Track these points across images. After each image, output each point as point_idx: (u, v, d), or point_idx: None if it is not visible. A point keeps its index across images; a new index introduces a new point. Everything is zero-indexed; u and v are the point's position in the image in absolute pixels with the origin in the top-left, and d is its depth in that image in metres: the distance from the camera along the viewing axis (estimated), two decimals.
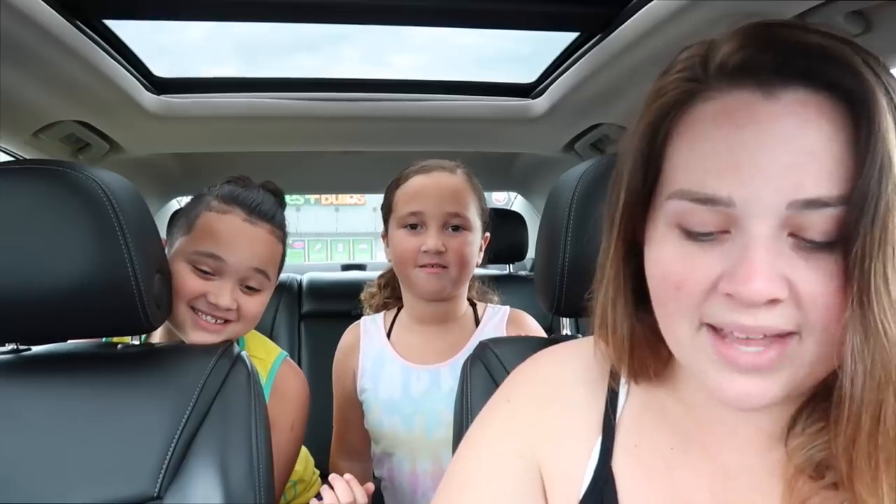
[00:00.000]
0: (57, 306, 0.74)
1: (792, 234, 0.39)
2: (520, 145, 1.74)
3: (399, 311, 1.18)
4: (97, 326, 0.81)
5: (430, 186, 1.08)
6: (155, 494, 0.73)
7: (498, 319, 1.14)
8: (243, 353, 0.87)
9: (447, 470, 0.57)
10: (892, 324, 0.37)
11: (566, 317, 0.93)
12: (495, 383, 0.82)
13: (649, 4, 0.94)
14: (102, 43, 1.11)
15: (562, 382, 0.56)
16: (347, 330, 1.20)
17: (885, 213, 0.36)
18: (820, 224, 0.38)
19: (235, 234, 0.96)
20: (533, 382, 0.57)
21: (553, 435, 0.53)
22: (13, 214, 0.73)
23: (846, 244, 0.38)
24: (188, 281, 0.93)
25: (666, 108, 0.44)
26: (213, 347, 0.85)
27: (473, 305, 1.17)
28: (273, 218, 1.01)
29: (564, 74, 1.32)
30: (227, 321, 0.96)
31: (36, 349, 0.86)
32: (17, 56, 0.97)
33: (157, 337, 1.02)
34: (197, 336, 0.94)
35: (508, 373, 0.81)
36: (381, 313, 1.20)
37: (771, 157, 0.38)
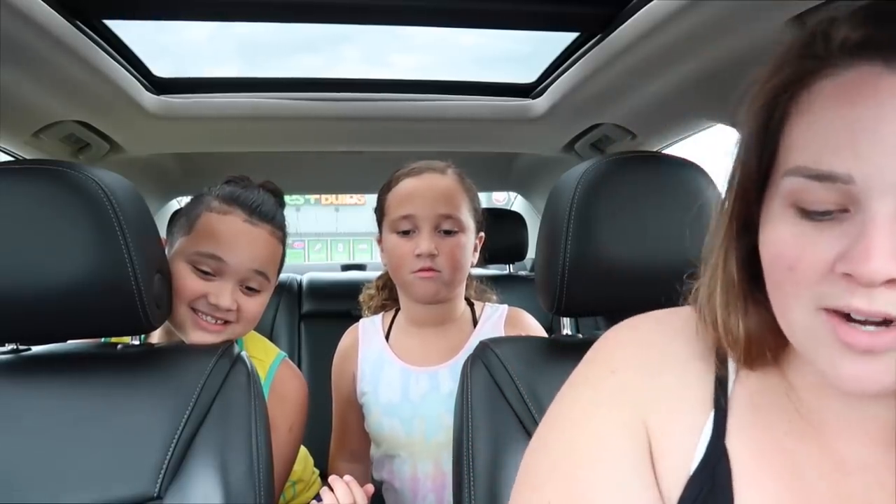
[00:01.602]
0: (57, 306, 0.74)
1: None
2: (520, 145, 1.74)
3: (397, 312, 1.18)
4: (97, 326, 0.81)
5: (421, 189, 1.07)
6: (155, 494, 0.73)
7: (496, 318, 1.13)
8: (243, 354, 0.87)
9: (555, 450, 0.52)
10: None
11: (566, 316, 0.93)
12: (496, 383, 0.82)
13: (649, 4, 0.94)
14: (102, 43, 1.11)
15: (671, 352, 0.53)
16: (346, 333, 1.20)
17: None
18: None
19: (236, 235, 0.96)
20: (638, 350, 0.54)
21: (665, 407, 0.51)
22: (13, 214, 0.73)
23: None
24: (188, 281, 0.93)
25: (784, 85, 0.43)
26: (214, 347, 0.85)
27: (471, 305, 1.17)
28: (273, 219, 1.01)
29: (564, 74, 1.32)
30: (226, 322, 0.96)
31: (36, 349, 0.86)
32: (17, 56, 0.97)
33: (157, 337, 1.02)
34: (197, 336, 0.94)
35: (509, 372, 0.82)
36: (380, 315, 1.20)
37: (893, 133, 0.37)
